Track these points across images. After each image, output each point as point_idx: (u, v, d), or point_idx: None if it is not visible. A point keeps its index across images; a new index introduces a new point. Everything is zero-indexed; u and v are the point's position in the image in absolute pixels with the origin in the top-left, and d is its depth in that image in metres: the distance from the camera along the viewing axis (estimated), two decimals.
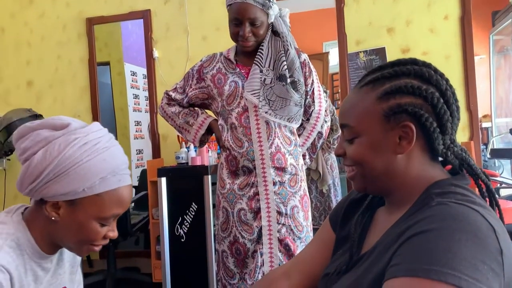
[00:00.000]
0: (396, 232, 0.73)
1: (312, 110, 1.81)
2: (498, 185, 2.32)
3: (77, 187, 0.87)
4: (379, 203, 0.91)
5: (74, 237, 0.92)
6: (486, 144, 4.01)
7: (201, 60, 1.85)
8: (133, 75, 3.81)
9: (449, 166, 0.83)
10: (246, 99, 1.70)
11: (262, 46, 1.72)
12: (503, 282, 0.64)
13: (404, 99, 0.77)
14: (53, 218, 0.90)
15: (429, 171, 0.79)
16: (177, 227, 2.79)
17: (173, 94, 1.85)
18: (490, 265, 0.62)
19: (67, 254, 1.06)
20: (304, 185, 1.77)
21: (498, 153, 3.76)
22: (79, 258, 1.11)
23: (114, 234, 0.95)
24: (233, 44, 1.80)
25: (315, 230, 1.77)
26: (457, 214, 0.66)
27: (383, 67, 0.83)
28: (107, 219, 0.92)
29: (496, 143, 4.16)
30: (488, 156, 3.67)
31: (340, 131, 3.16)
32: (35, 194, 0.89)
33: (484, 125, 4.25)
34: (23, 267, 0.90)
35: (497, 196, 0.82)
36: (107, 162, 0.89)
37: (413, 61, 0.81)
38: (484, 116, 4.29)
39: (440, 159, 0.82)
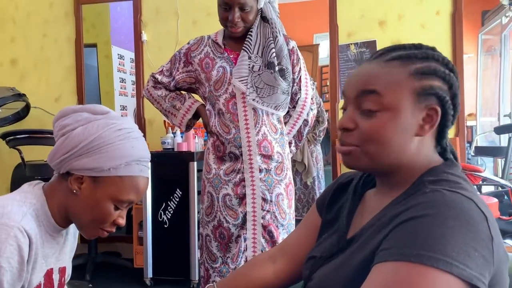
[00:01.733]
0: (387, 216, 0.73)
1: (299, 98, 1.81)
2: (481, 181, 2.35)
3: (104, 165, 0.95)
4: (367, 186, 0.91)
5: (88, 214, 0.98)
6: (470, 142, 4.06)
7: (188, 43, 1.82)
8: (120, 59, 3.75)
9: None
10: (234, 86, 1.68)
11: (251, 32, 1.70)
12: (492, 268, 0.65)
13: (436, 83, 0.76)
14: (74, 191, 0.97)
15: (433, 158, 0.80)
16: (161, 213, 2.77)
17: (159, 77, 1.82)
18: (481, 252, 0.63)
19: (70, 235, 1.11)
20: (290, 173, 1.77)
21: (482, 151, 3.82)
22: (76, 245, 1.17)
23: (122, 221, 1.02)
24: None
25: (297, 221, 1.77)
26: (451, 202, 0.67)
27: (407, 47, 0.81)
28: (122, 203, 0.98)
29: (480, 141, 4.22)
30: (472, 153, 3.72)
31: (326, 123, 3.13)
32: (64, 166, 0.97)
33: (469, 123, 4.30)
34: (41, 238, 0.96)
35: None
36: (135, 150, 0.97)
37: (433, 48, 0.82)
38: (469, 115, 4.33)
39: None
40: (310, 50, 4.69)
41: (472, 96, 4.25)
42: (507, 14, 3.71)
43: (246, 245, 1.69)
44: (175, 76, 1.81)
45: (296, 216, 1.82)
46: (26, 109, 3.40)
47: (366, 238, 0.76)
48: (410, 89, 0.76)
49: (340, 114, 3.18)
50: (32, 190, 1.00)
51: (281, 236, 1.69)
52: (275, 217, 1.69)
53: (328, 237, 0.90)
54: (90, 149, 0.94)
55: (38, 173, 2.70)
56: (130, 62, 3.67)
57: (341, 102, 3.21)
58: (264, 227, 1.69)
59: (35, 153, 3.21)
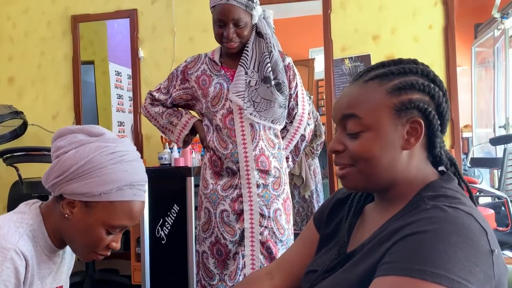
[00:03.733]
0: (387, 230, 0.74)
1: (296, 113, 1.82)
2: (477, 193, 2.36)
3: (95, 190, 0.93)
4: (366, 200, 0.92)
5: (81, 238, 0.98)
6: (466, 154, 4.08)
7: (185, 61, 1.84)
8: (118, 75, 3.77)
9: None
10: (231, 101, 1.69)
11: (247, 47, 1.72)
12: (493, 282, 0.66)
13: (414, 96, 0.78)
14: (66, 215, 0.96)
15: (425, 170, 0.81)
16: (158, 228, 2.76)
17: (156, 95, 1.84)
18: (482, 267, 0.64)
19: (67, 254, 1.11)
20: (287, 188, 1.78)
21: (478, 162, 3.83)
22: (73, 263, 1.16)
23: (117, 245, 1.00)
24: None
25: (296, 235, 1.78)
26: (452, 218, 0.68)
27: (386, 64, 0.83)
28: (114, 228, 0.97)
29: (476, 152, 4.24)
30: (469, 165, 3.73)
31: (323, 137, 3.15)
32: (56, 189, 0.96)
33: (465, 135, 4.33)
34: (37, 258, 0.96)
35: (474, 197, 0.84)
36: (128, 174, 0.95)
37: (414, 61, 0.83)
38: (465, 126, 4.36)
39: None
40: (306, 64, 4.73)
41: (467, 108, 4.29)
42: (499, 27, 3.76)
43: (245, 262, 1.68)
44: (172, 93, 1.82)
45: (295, 230, 1.82)
46: (24, 126, 3.40)
47: (366, 252, 0.76)
48: (388, 107, 0.78)
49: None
50: (29, 210, 0.99)
51: (280, 252, 1.68)
52: (273, 233, 1.69)
53: (326, 252, 0.91)
54: (81, 174, 0.93)
55: (35, 191, 2.69)
56: (128, 78, 3.69)
57: (336, 99, 3.23)
58: (262, 243, 1.68)
59: (33, 170, 3.21)
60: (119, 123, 3.77)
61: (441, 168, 0.85)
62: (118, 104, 3.77)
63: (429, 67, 0.83)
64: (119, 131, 3.74)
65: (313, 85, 4.71)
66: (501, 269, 0.69)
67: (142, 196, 0.99)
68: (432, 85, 0.79)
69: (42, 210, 1.01)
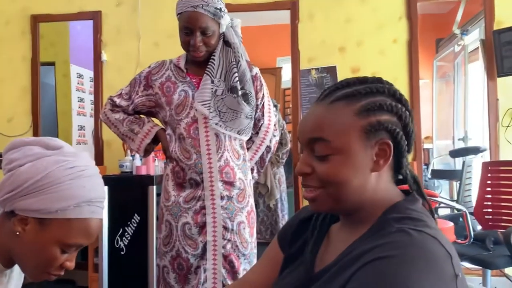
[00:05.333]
0: (353, 253, 0.73)
1: (262, 124, 1.80)
2: (437, 205, 2.41)
3: (51, 206, 0.88)
4: (331, 220, 0.90)
5: (32, 257, 0.92)
6: (427, 165, 4.18)
7: (149, 66, 1.78)
8: (80, 78, 3.66)
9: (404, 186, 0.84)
10: (196, 110, 1.65)
11: (214, 56, 1.68)
12: None
13: (383, 117, 0.77)
14: (17, 233, 0.90)
15: (391, 191, 0.80)
16: (117, 239, 2.67)
17: (117, 100, 1.77)
18: None
19: (15, 273, 1.04)
20: (252, 200, 1.75)
21: (438, 174, 3.94)
22: (21, 282, 1.09)
23: (71, 264, 0.95)
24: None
25: (260, 244, 1.75)
26: (417, 242, 0.68)
27: (351, 83, 0.81)
28: (70, 247, 0.92)
29: (436, 163, 4.36)
30: (429, 176, 3.83)
31: (289, 145, 3.16)
32: (8, 205, 0.90)
33: (426, 146, 4.44)
34: None
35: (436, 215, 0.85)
36: (86, 190, 0.90)
37: (379, 80, 0.82)
38: (426, 138, 4.48)
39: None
40: (273, 73, 4.75)
41: (428, 120, 4.41)
42: (459, 43, 3.89)
43: (206, 276, 1.63)
44: (134, 100, 1.76)
45: (259, 239, 1.79)
46: None
47: (332, 276, 0.75)
48: (357, 129, 0.76)
49: None
50: None
51: (242, 266, 1.65)
52: (236, 246, 1.65)
53: (291, 272, 0.89)
54: (37, 189, 0.87)
55: None
56: (90, 81, 3.58)
57: (301, 119, 3.24)
58: (225, 257, 1.64)
59: None
60: (79, 127, 3.65)
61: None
62: (79, 107, 3.65)
63: (394, 86, 0.82)
64: (79, 135, 3.62)
65: (280, 94, 4.73)
66: None
67: (100, 213, 0.95)
68: (399, 105, 0.78)
69: None
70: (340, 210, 0.82)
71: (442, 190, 4.21)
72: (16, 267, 1.02)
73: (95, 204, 0.93)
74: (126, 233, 2.66)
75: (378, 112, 0.77)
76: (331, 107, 0.79)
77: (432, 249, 0.67)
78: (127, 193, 2.67)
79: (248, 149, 1.79)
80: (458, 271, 0.68)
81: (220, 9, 1.65)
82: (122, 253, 2.67)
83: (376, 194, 0.78)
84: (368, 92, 0.78)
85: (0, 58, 3.44)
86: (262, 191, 3.98)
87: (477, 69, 3.91)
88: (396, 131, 0.77)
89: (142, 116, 1.82)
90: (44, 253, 0.90)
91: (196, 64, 1.73)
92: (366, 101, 0.77)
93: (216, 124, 1.64)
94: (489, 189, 2.69)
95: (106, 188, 0.98)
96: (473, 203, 2.77)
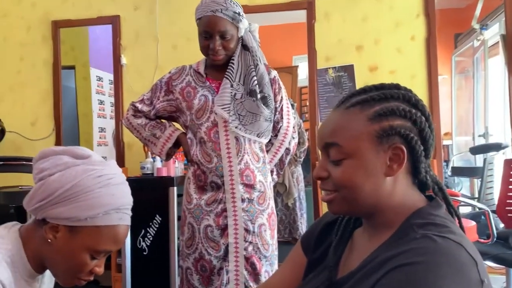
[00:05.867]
0: (377, 260, 0.74)
1: (281, 127, 1.81)
2: (459, 204, 2.39)
3: (81, 214, 0.91)
4: (354, 225, 0.91)
5: (63, 263, 0.95)
6: (447, 161, 4.14)
7: (169, 72, 1.81)
8: (99, 80, 3.72)
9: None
10: (216, 114, 1.68)
11: (233, 60, 1.70)
12: None
13: (396, 122, 0.78)
14: (49, 240, 0.93)
15: (411, 196, 0.81)
16: (140, 239, 2.72)
17: (139, 106, 1.81)
18: None
19: (46, 278, 1.07)
20: (272, 203, 1.77)
21: (459, 171, 3.89)
22: (52, 286, 1.12)
23: (100, 270, 0.98)
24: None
25: (279, 243, 1.77)
26: (442, 249, 0.69)
27: (367, 90, 0.83)
28: (99, 253, 0.95)
29: (456, 160, 4.31)
30: (449, 173, 3.79)
31: (306, 144, 3.16)
32: (39, 213, 0.93)
33: (445, 142, 4.39)
34: (15, 285, 0.93)
35: (460, 217, 0.85)
36: (115, 198, 0.93)
37: (397, 86, 0.83)
38: (445, 134, 4.43)
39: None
40: (290, 71, 4.75)
41: (447, 116, 4.36)
42: (478, 38, 3.83)
43: (229, 278, 1.66)
44: (155, 105, 1.79)
45: (278, 238, 1.81)
46: (1, 133, 3.32)
47: (356, 282, 0.76)
48: (370, 134, 0.78)
49: None
50: (7, 235, 0.96)
51: (264, 268, 1.67)
52: (258, 248, 1.67)
53: (315, 277, 0.90)
54: (67, 198, 0.90)
55: (12, 201, 2.63)
56: (109, 83, 3.64)
57: (320, 125, 3.24)
58: (247, 258, 1.66)
59: (10, 179, 3.13)
60: (100, 129, 3.71)
61: (429, 192, 0.85)
62: (99, 109, 3.71)
63: (411, 92, 0.83)
64: (100, 137, 3.69)
65: (297, 92, 4.74)
66: None
67: (127, 220, 0.98)
68: (413, 111, 0.79)
69: (22, 234, 0.97)
70: (356, 213, 0.84)
71: (462, 187, 4.16)
72: (47, 272, 1.06)
73: (123, 211, 0.96)
74: (148, 234, 2.71)
75: (391, 117, 0.78)
76: (346, 113, 0.81)
77: (457, 256, 0.68)
78: (149, 195, 2.72)
79: (267, 151, 1.81)
80: (484, 277, 0.68)
81: (239, 14, 1.68)
82: (144, 253, 2.72)
83: (393, 198, 0.79)
84: (382, 98, 0.80)
85: (23, 63, 3.52)
86: (280, 190, 3.99)
87: (497, 64, 3.85)
88: (410, 136, 0.77)
89: (163, 121, 1.85)
90: (75, 259, 0.94)
91: (215, 68, 1.75)
92: (379, 107, 0.79)
93: (236, 127, 1.66)
94: (511, 186, 2.65)
95: (124, 177, 1.01)
96: (495, 201, 2.74)
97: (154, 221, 2.70)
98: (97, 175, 0.93)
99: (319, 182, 0.85)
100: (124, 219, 0.96)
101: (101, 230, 0.93)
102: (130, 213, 0.99)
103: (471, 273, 0.67)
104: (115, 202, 0.93)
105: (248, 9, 3.12)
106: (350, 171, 0.79)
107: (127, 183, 1.00)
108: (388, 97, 0.80)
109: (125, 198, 0.97)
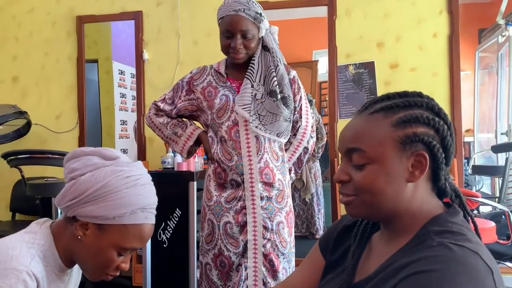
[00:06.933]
0: (393, 265, 0.75)
1: (299, 126, 1.83)
2: (478, 204, 2.38)
3: (109, 213, 0.95)
4: (373, 229, 0.93)
5: (92, 259, 1.00)
6: (467, 159, 4.09)
7: (191, 72, 1.85)
8: (121, 74, 3.78)
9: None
10: (237, 113, 1.70)
11: (253, 60, 1.72)
12: None
13: (419, 129, 0.79)
14: (79, 237, 0.98)
15: (430, 202, 0.82)
16: (160, 232, 2.78)
17: (161, 105, 1.85)
18: None
19: (74, 272, 1.13)
20: (290, 201, 1.79)
21: (479, 170, 3.85)
22: (79, 279, 1.18)
23: (126, 266, 1.03)
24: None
25: (296, 237, 1.80)
26: (458, 257, 0.69)
27: (391, 97, 0.84)
28: (126, 250, 1.00)
29: (478, 157, 4.26)
30: (470, 172, 3.74)
31: (325, 139, 3.16)
32: (70, 211, 0.98)
33: (467, 139, 4.33)
34: (47, 279, 0.98)
35: (477, 224, 0.86)
36: (141, 198, 0.98)
37: (420, 94, 0.85)
38: (467, 131, 4.37)
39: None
40: (309, 66, 4.73)
41: (469, 112, 4.29)
42: (503, 34, 3.75)
43: (247, 274, 1.69)
44: (177, 104, 1.83)
45: (295, 232, 1.83)
46: (27, 126, 3.42)
47: (372, 286, 0.77)
48: (393, 140, 0.79)
49: (338, 132, 3.20)
50: (40, 230, 1.01)
51: (281, 265, 1.70)
52: (276, 245, 1.70)
53: (332, 279, 0.92)
54: (96, 197, 0.95)
55: (38, 193, 2.72)
56: (131, 77, 3.70)
57: (339, 122, 3.24)
58: (265, 255, 1.69)
59: (35, 170, 3.23)
60: (121, 121, 3.78)
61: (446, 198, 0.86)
62: (121, 103, 3.78)
63: (434, 100, 0.84)
64: (121, 130, 3.76)
65: (316, 87, 4.71)
66: None
67: (152, 219, 1.02)
68: (436, 119, 0.80)
69: (53, 230, 1.03)
70: (374, 218, 0.85)
71: (483, 185, 4.10)
72: (75, 266, 1.11)
73: (149, 211, 1.00)
74: (168, 227, 2.76)
75: (415, 124, 0.79)
76: (369, 118, 0.82)
77: (473, 264, 0.68)
78: (169, 189, 2.77)
79: (286, 150, 1.83)
80: (500, 285, 0.69)
81: (260, 14, 1.70)
82: (164, 246, 2.78)
83: (413, 204, 0.81)
84: (406, 105, 0.81)
85: (47, 57, 3.60)
86: (297, 185, 4.01)
87: None
88: (433, 144, 0.79)
89: (184, 119, 1.89)
90: (103, 256, 0.99)
91: (236, 69, 1.77)
92: (403, 113, 0.80)
93: (256, 127, 1.69)
94: None
95: (150, 178, 1.05)
96: None
97: (175, 214, 2.76)
98: (125, 175, 0.97)
99: (338, 185, 0.86)
100: (149, 218, 1.01)
101: (128, 229, 0.97)
102: (155, 212, 1.03)
103: (486, 281, 0.68)
104: (141, 202, 0.98)
105: (269, 5, 3.14)
106: (373, 176, 0.80)
107: (152, 183, 1.04)
108: (412, 105, 0.81)
109: (150, 198, 1.01)
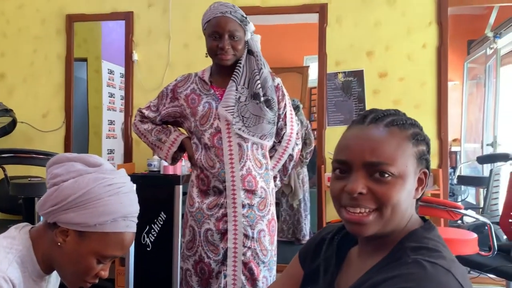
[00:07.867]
0: (369, 282, 0.75)
1: (284, 133, 1.83)
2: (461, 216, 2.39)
3: (90, 221, 0.95)
4: (350, 243, 0.93)
5: (71, 266, 0.99)
6: (454, 168, 4.12)
7: (175, 80, 1.86)
8: (110, 73, 3.76)
9: None
10: (219, 120, 1.70)
11: (239, 64, 1.74)
12: None
13: (424, 147, 0.83)
14: (58, 244, 0.97)
15: (413, 217, 0.84)
16: (144, 235, 2.76)
17: (146, 112, 1.86)
18: None
19: (52, 278, 1.11)
20: (273, 209, 1.79)
21: (464, 180, 3.88)
22: (57, 285, 1.16)
23: (105, 273, 1.02)
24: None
25: (282, 242, 1.79)
26: (430, 276, 0.70)
27: (395, 113, 0.84)
28: (106, 258, 0.99)
29: (464, 167, 4.30)
30: (455, 181, 3.78)
31: (313, 145, 3.16)
32: (51, 217, 0.97)
33: (454, 149, 4.38)
34: (25, 284, 0.97)
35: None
36: (123, 206, 0.97)
37: (404, 114, 0.88)
38: (454, 140, 4.42)
39: None
40: (300, 71, 4.75)
41: (457, 122, 4.34)
42: (491, 46, 3.80)
43: (226, 282, 1.69)
44: (161, 112, 1.84)
45: (281, 237, 1.83)
46: (13, 124, 3.38)
47: None
48: (413, 155, 0.80)
49: (326, 139, 3.21)
50: (18, 235, 1.00)
51: (262, 273, 1.70)
52: (256, 254, 1.70)
53: None
54: (78, 204, 0.95)
55: (21, 193, 2.68)
56: (120, 77, 3.68)
57: (327, 129, 3.24)
58: (245, 264, 1.69)
59: (20, 169, 3.19)
60: (109, 121, 3.76)
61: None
62: (110, 102, 3.76)
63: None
64: (109, 130, 3.73)
65: (307, 92, 4.73)
66: None
67: (134, 227, 1.02)
68: (428, 139, 0.84)
69: (32, 235, 1.02)
70: (383, 233, 0.81)
71: (468, 195, 4.14)
72: (54, 272, 1.10)
73: (130, 219, 1.00)
74: (153, 230, 2.75)
75: (422, 142, 0.82)
76: (387, 131, 0.80)
77: (445, 283, 0.69)
78: (155, 192, 2.76)
79: (271, 157, 1.83)
80: None
81: (245, 17, 1.72)
82: (148, 249, 2.76)
83: (408, 219, 0.82)
84: (411, 124, 0.83)
85: (36, 55, 3.57)
86: (285, 191, 4.01)
87: (509, 73, 3.82)
88: (429, 162, 0.83)
89: (169, 126, 1.89)
90: (82, 263, 0.98)
91: (221, 75, 1.78)
92: (413, 130, 0.82)
93: (239, 129, 1.69)
94: None
95: (134, 186, 1.04)
96: (500, 212, 2.73)
97: (159, 218, 2.74)
98: (108, 183, 0.97)
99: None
100: (130, 226, 1.00)
101: (108, 236, 0.97)
102: (136, 220, 1.02)
103: None
104: (123, 210, 0.98)
105: (260, 11, 3.14)
106: (396, 189, 0.78)
107: (135, 191, 1.04)
108: (413, 123, 0.84)
109: (132, 206, 1.01)
